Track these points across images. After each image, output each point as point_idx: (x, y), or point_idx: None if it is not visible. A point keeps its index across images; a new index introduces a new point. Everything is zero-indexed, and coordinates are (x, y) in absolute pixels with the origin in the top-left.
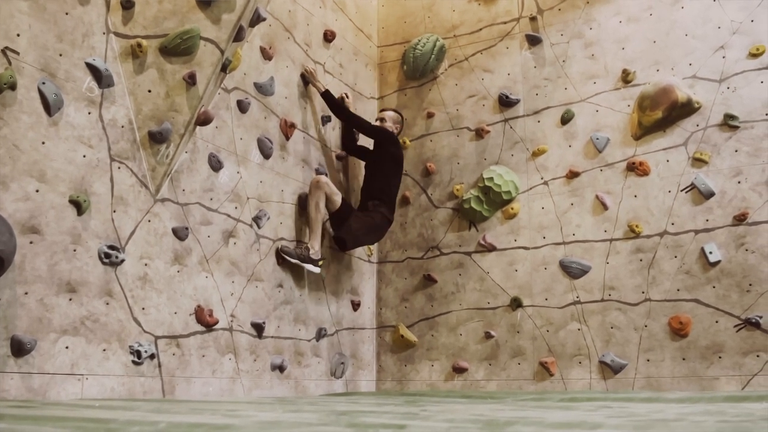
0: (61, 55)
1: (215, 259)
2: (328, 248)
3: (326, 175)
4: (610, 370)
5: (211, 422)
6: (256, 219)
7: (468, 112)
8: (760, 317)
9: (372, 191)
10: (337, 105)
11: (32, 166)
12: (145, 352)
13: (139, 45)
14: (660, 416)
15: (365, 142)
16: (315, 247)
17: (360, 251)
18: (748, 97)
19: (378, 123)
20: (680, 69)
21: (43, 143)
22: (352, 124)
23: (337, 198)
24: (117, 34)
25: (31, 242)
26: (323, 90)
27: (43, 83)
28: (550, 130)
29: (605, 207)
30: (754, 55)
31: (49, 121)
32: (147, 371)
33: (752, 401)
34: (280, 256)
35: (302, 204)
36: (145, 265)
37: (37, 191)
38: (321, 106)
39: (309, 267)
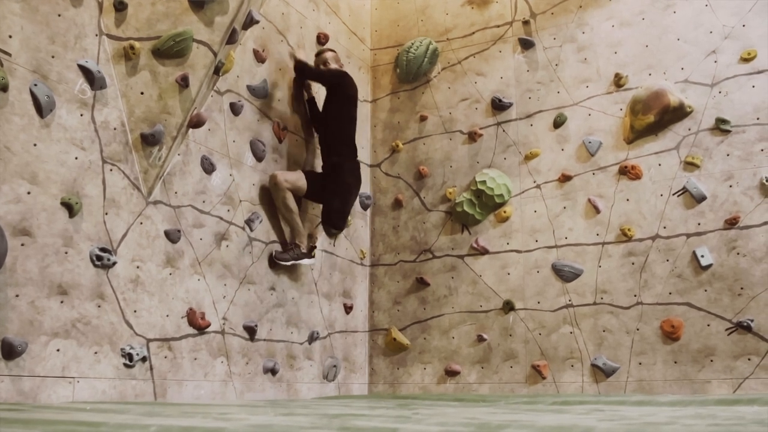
0: (53, 56)
1: (207, 261)
2: (321, 250)
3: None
4: (602, 373)
5: (202, 425)
6: (249, 222)
7: (461, 115)
8: (752, 321)
9: (332, 144)
10: (305, 72)
11: (24, 168)
12: (137, 354)
13: (132, 47)
14: (651, 419)
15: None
16: (303, 242)
17: (353, 253)
18: (739, 101)
19: (322, 67)
20: (672, 73)
21: (35, 145)
22: (310, 77)
23: (301, 183)
24: (109, 36)
25: (22, 244)
26: (301, 61)
27: (35, 85)
28: (543, 133)
29: (597, 211)
30: (745, 60)
31: (41, 122)
32: (139, 374)
33: (743, 404)
34: (275, 263)
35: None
36: (137, 267)
37: (28, 193)
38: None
39: (305, 262)
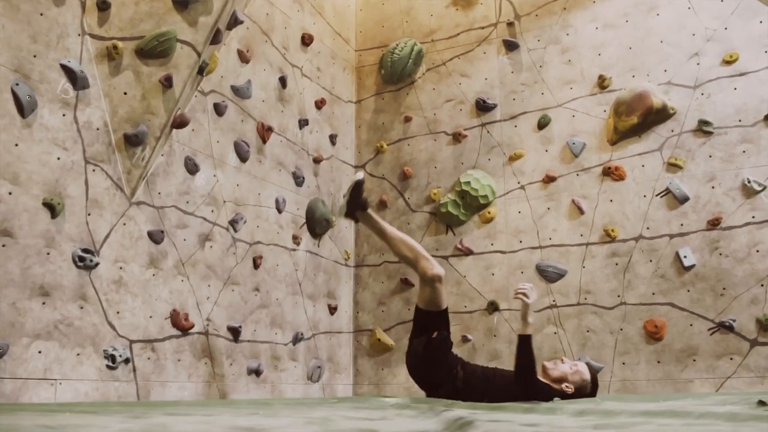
0: (35, 56)
1: (191, 262)
2: (305, 251)
3: (303, 179)
4: None
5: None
6: (233, 222)
7: (445, 116)
8: (734, 320)
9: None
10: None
11: (5, 168)
12: (120, 356)
13: (115, 47)
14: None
15: None
16: None
17: (337, 254)
18: (721, 103)
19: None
20: (655, 75)
21: (17, 145)
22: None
23: None
24: (92, 36)
25: (3, 245)
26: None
27: (17, 84)
28: (527, 134)
29: (581, 211)
30: (727, 62)
31: (22, 122)
32: (122, 376)
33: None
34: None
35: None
36: (120, 268)
37: (10, 194)
38: (299, 109)
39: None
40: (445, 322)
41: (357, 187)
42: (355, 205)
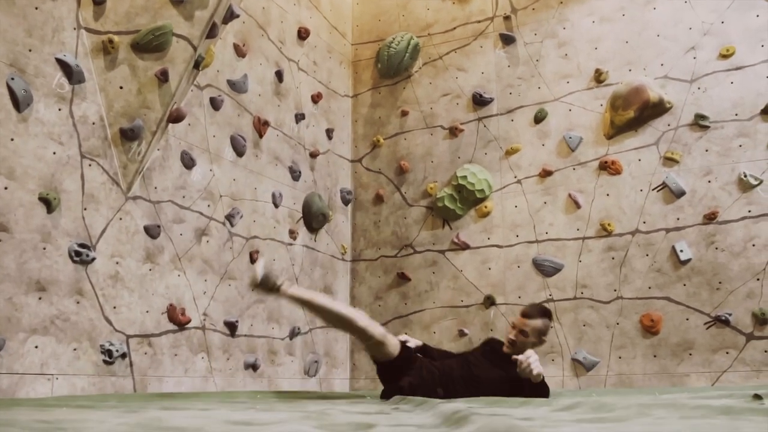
0: (30, 50)
1: (188, 257)
2: (302, 245)
3: (299, 174)
4: (582, 367)
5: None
6: (229, 217)
7: (442, 110)
8: (730, 314)
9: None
10: None
11: (1, 162)
12: (117, 351)
13: (111, 41)
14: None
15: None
16: None
17: (334, 249)
18: (718, 97)
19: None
20: (652, 69)
21: (12, 140)
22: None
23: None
24: (88, 30)
25: None
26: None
27: (12, 79)
28: (524, 129)
29: (578, 206)
30: (724, 56)
31: (18, 117)
32: (118, 371)
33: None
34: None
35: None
36: (117, 263)
37: (5, 188)
38: (295, 104)
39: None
40: (407, 362)
41: (262, 284)
42: (268, 291)
